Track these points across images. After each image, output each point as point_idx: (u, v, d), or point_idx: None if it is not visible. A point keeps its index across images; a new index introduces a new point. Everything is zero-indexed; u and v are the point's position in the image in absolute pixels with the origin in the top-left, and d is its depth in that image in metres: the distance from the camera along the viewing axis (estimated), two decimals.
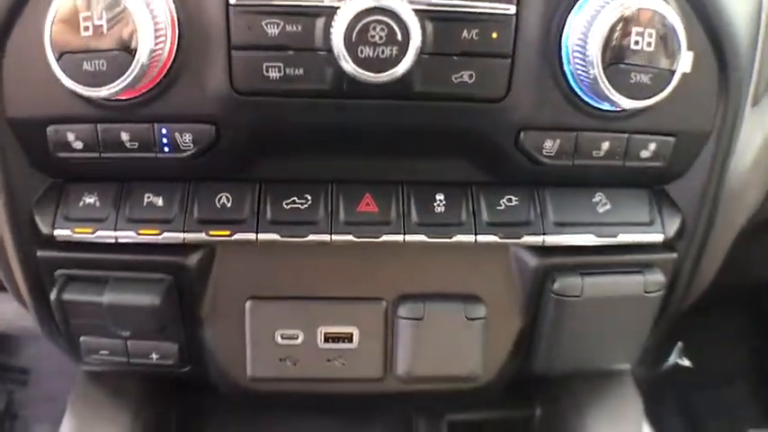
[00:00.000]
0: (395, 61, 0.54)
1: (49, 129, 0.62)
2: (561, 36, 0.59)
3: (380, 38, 0.53)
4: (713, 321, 1.53)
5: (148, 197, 0.66)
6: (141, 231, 0.66)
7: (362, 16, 0.53)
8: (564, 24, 0.59)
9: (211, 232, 0.66)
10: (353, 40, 0.53)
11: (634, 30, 0.56)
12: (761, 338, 1.56)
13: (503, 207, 0.68)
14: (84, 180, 0.67)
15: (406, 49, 0.54)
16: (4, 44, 0.59)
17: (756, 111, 0.72)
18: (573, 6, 0.59)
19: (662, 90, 0.58)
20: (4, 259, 0.71)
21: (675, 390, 1.49)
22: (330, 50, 0.55)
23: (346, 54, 0.54)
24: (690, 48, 0.59)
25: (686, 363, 1.50)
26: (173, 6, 0.57)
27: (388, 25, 0.53)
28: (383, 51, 0.54)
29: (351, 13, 0.53)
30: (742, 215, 0.80)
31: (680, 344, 1.51)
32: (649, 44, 0.57)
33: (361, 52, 0.54)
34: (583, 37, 0.58)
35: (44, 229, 0.67)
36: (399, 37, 0.54)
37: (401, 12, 0.53)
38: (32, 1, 0.58)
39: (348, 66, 0.54)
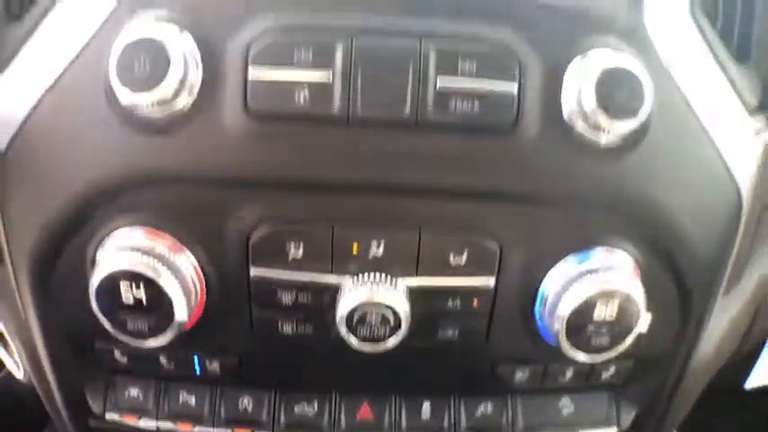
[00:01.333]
0: (388, 336, 0.65)
1: (97, 343, 0.74)
2: (535, 298, 0.68)
3: (376, 323, 0.64)
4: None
5: (183, 396, 0.79)
6: (178, 424, 0.79)
7: (362, 308, 0.63)
8: (537, 289, 0.67)
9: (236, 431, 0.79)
10: (354, 324, 0.64)
11: (599, 303, 0.63)
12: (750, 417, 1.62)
13: (479, 414, 0.79)
14: (128, 373, 0.79)
15: (398, 328, 0.64)
16: (54, 263, 0.67)
17: (726, 298, 0.76)
18: (545, 275, 0.67)
19: (618, 346, 0.66)
20: (62, 426, 0.84)
21: None
22: (334, 320, 0.65)
23: (347, 333, 0.64)
24: (653, 299, 0.66)
25: None
26: (201, 272, 0.66)
27: (383, 315, 0.63)
28: (378, 331, 0.64)
29: (352, 304, 0.63)
30: (698, 392, 0.87)
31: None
32: (611, 315, 0.64)
33: (359, 332, 0.64)
34: (554, 301, 0.65)
35: (96, 411, 0.80)
36: (392, 322, 0.64)
37: (395, 305, 0.63)
38: (81, 234, 0.66)
39: (348, 339, 0.65)
